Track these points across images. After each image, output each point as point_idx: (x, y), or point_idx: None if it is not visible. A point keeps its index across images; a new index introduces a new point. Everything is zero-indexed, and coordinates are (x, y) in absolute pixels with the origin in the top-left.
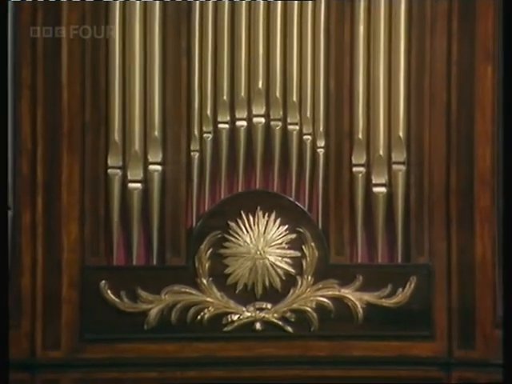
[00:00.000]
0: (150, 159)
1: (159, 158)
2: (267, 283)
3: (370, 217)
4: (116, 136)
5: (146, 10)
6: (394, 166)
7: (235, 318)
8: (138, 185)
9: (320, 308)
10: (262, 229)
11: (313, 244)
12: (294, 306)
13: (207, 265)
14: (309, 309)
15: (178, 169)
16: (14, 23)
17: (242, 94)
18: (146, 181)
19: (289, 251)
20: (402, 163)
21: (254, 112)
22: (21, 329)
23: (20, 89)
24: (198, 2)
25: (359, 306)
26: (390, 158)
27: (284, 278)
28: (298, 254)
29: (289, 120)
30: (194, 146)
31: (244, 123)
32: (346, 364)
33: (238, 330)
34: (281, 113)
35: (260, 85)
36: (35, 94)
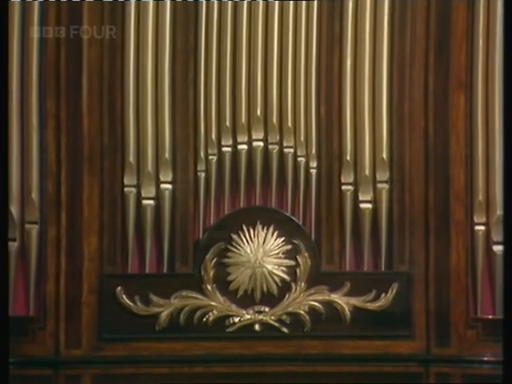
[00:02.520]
0: (162, 179)
1: (169, 178)
2: (265, 289)
3: (357, 230)
4: (131, 158)
5: (157, 45)
6: (379, 185)
7: (237, 320)
8: (151, 201)
9: (312, 311)
10: (260, 240)
11: (306, 254)
12: (289, 309)
13: (212, 273)
14: (302, 312)
15: (186, 187)
16: (39, 56)
17: (243, 120)
18: (157, 198)
19: (284, 260)
20: (386, 182)
21: (254, 137)
22: (46, 330)
23: (46, 118)
24: (203, 39)
25: (347, 309)
26: (375, 177)
27: (280, 284)
28: (293, 263)
29: (284, 144)
30: (201, 166)
31: (245, 147)
32: (336, 361)
33: (239, 331)
34: (277, 137)
35: (259, 113)
36: (59, 123)
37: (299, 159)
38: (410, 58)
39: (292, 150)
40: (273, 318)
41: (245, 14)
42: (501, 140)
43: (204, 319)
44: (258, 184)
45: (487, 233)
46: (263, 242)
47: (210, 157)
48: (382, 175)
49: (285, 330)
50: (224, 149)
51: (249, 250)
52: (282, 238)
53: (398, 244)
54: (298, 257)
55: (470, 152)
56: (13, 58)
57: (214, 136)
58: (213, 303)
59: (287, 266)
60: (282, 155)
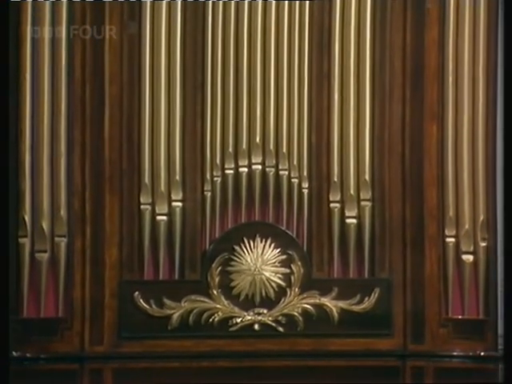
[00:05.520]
0: (173, 197)
1: (180, 197)
2: (264, 293)
3: (343, 242)
4: (146, 180)
5: (169, 82)
6: (362, 203)
7: (239, 320)
8: (164, 217)
9: (305, 313)
10: (259, 251)
11: (299, 263)
12: (285, 311)
13: (217, 279)
14: (296, 313)
15: (194, 205)
16: (67, 82)
17: (244, 146)
18: (169, 214)
19: (280, 269)
20: (368, 200)
21: (253, 161)
22: (73, 329)
23: (73, 145)
24: (209, 77)
25: (335, 311)
26: (359, 196)
27: (277, 289)
28: (288, 270)
29: (280, 167)
30: (207, 187)
31: (245, 169)
32: (325, 356)
33: (241, 330)
34: (274, 161)
35: (258, 140)
36: (84, 149)
37: (293, 180)
38: (389, 92)
39: (287, 173)
40: (270, 318)
41: (245, 58)
42: (469, 164)
43: (210, 320)
44: (257, 202)
45: (457, 244)
46: (262, 253)
47: (215, 178)
48: (365, 194)
49: (281, 329)
50: (227, 171)
51: (249, 260)
52: (278, 249)
53: (379, 254)
54: (292, 265)
55: (441, 174)
56: (44, 95)
57: (218, 160)
58: (218, 306)
59: (283, 274)
60: (277, 177)
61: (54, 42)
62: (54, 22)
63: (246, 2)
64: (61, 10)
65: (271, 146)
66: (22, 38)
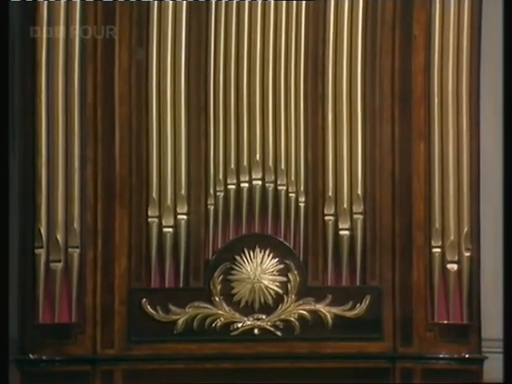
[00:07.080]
0: (179, 211)
1: (185, 210)
2: (262, 300)
3: (337, 252)
4: (154, 194)
5: (175, 103)
6: (355, 216)
7: (239, 325)
8: (170, 229)
9: (301, 318)
10: (259, 261)
11: (296, 272)
12: (282, 316)
13: (219, 287)
14: (293, 319)
15: (198, 218)
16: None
17: (245, 163)
18: (175, 226)
19: (278, 277)
20: (360, 213)
21: (254, 176)
22: (85, 333)
23: (85, 162)
24: (212, 99)
25: (329, 317)
26: (352, 209)
27: (274, 296)
28: (285, 279)
29: (279, 182)
30: (210, 201)
31: (246, 185)
32: (320, 359)
33: (242, 334)
34: (273, 177)
35: (258, 157)
36: (96, 166)
37: (290, 195)
38: (379, 113)
39: (285, 188)
40: (269, 323)
41: (245, 81)
42: (454, 179)
43: (213, 325)
44: (256, 215)
45: (442, 254)
46: (261, 262)
47: (218, 193)
48: (358, 208)
49: (278, 333)
50: (229, 186)
51: (249, 269)
52: (276, 259)
53: (370, 264)
54: (289, 274)
55: (428, 189)
56: (58, 116)
57: (221, 176)
58: (220, 312)
59: (280, 282)
60: (276, 192)
61: (68, 55)
62: (67, 25)
63: (246, 34)
64: (74, 12)
65: (270, 163)
66: (37, 56)
